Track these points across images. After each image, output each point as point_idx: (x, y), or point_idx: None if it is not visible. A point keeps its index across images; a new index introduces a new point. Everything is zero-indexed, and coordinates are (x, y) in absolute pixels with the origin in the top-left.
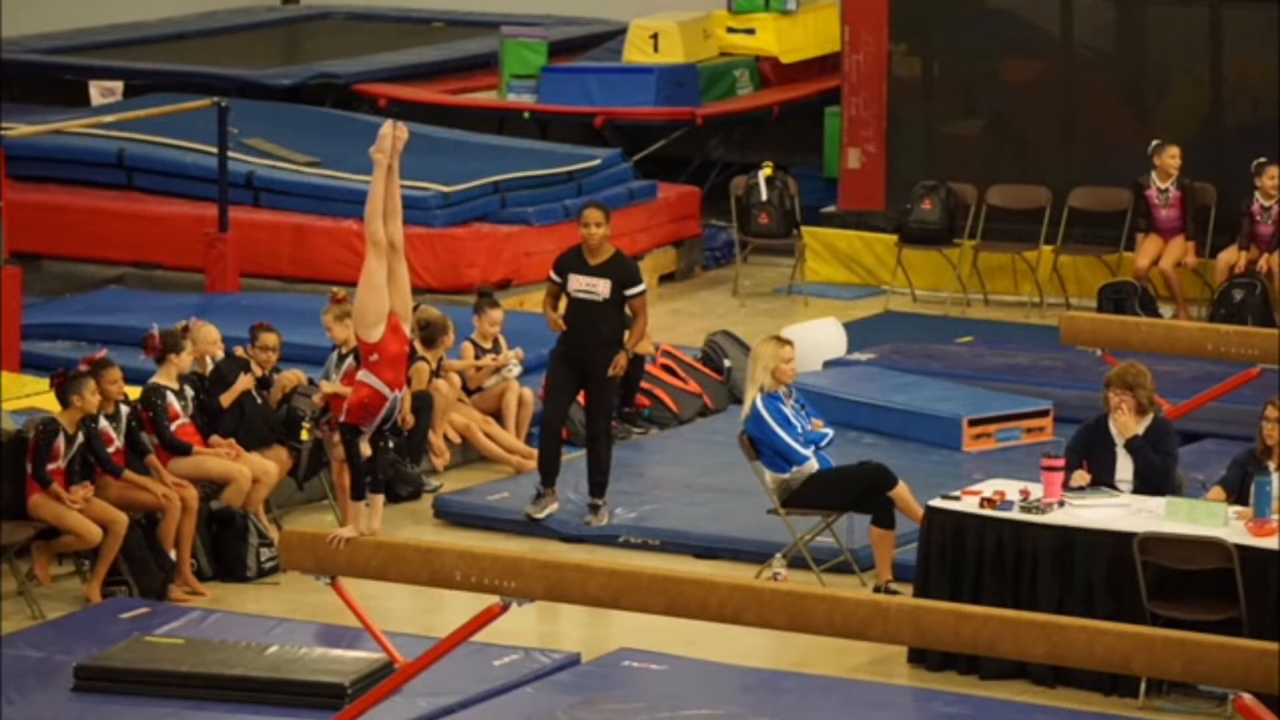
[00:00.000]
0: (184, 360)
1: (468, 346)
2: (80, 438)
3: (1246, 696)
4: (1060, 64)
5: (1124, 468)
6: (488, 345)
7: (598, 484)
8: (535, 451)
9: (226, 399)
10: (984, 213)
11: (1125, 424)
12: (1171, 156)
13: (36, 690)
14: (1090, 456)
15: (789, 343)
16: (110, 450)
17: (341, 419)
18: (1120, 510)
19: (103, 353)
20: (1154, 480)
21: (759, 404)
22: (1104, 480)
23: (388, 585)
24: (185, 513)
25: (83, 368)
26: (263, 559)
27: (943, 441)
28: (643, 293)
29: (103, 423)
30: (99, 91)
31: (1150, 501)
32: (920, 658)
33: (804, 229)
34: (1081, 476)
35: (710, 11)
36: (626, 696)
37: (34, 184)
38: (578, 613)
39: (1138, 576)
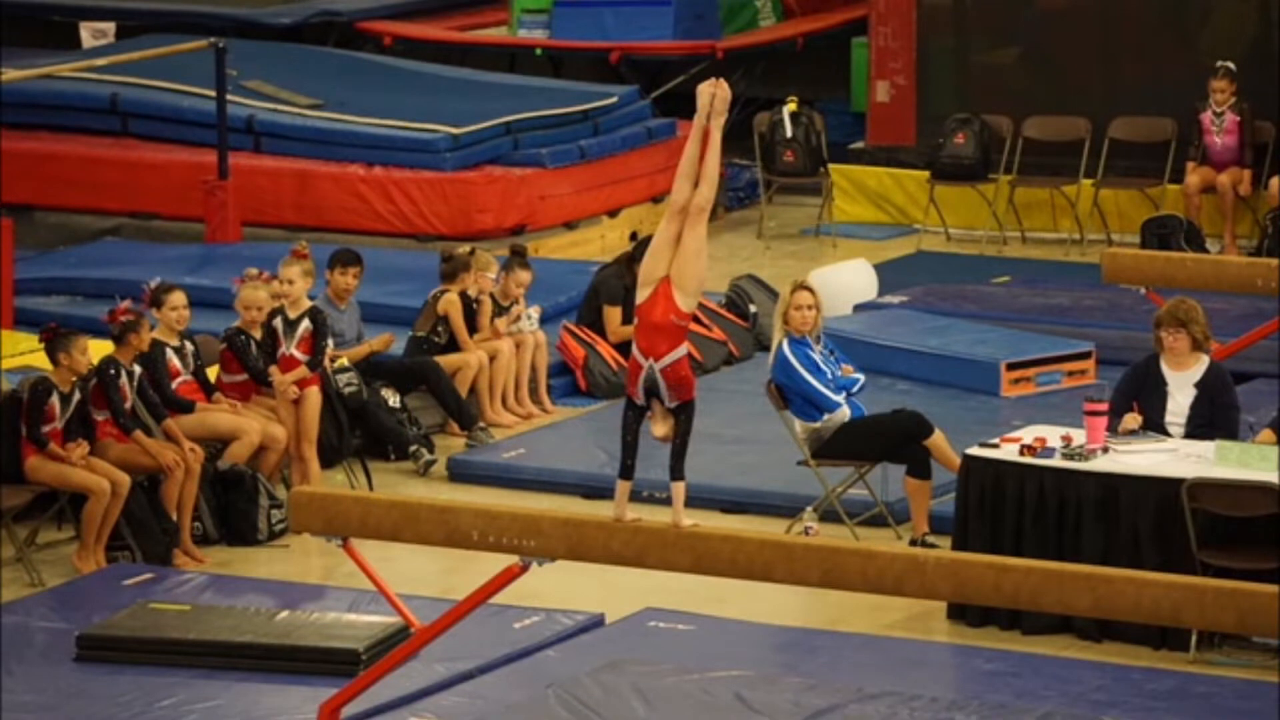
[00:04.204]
0: (180, 315)
1: (486, 301)
2: (77, 396)
3: None
4: None
5: (1176, 407)
6: (506, 303)
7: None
8: (535, 412)
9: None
10: (1020, 146)
11: (1183, 363)
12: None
13: (37, 661)
14: (1140, 399)
15: (806, 287)
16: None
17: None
18: (1168, 455)
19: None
20: (1215, 421)
21: (786, 350)
22: (1155, 423)
23: (402, 546)
24: (187, 475)
25: (122, 319)
26: (274, 521)
27: (980, 387)
28: None
29: (123, 378)
30: (90, 33)
31: (1198, 446)
32: (960, 613)
33: (831, 166)
34: (1134, 419)
35: None
36: (653, 658)
37: (24, 131)
38: (601, 572)
39: (1186, 524)
